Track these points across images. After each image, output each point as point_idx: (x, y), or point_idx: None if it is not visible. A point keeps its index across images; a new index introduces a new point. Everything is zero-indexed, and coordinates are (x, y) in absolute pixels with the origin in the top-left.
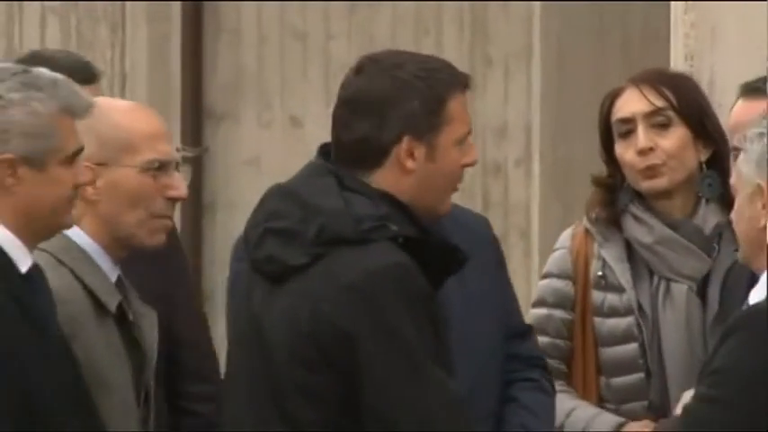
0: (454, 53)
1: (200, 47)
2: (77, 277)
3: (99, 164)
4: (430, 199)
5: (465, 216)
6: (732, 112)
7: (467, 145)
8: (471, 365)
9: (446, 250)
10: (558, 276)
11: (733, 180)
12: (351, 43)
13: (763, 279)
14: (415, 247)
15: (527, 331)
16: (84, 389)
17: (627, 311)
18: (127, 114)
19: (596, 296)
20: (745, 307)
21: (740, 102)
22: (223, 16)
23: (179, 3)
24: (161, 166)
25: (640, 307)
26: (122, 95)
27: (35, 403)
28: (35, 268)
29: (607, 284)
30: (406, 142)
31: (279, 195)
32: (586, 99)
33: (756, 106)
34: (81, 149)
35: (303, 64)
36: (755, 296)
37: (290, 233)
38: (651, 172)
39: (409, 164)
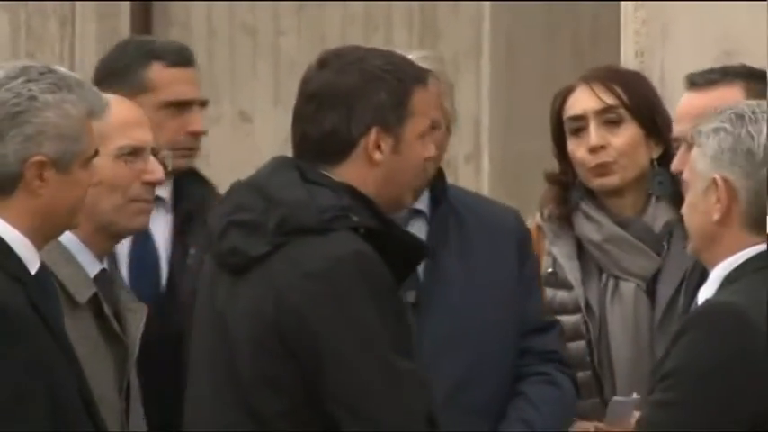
0: (404, 51)
1: None
2: (49, 269)
3: None
4: (394, 192)
5: (490, 208)
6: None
7: (428, 139)
8: (469, 353)
9: (408, 243)
10: None
11: (686, 175)
12: (300, 40)
13: (712, 275)
14: (377, 239)
15: (545, 327)
16: (88, 387)
17: (575, 309)
18: None
19: (547, 293)
20: (694, 305)
21: (685, 93)
22: (172, 11)
23: None
24: (134, 152)
25: (588, 305)
26: None
27: (59, 402)
28: (42, 268)
29: (557, 281)
30: (374, 134)
31: (244, 189)
32: (536, 96)
33: (700, 97)
34: (98, 152)
35: (253, 59)
36: (705, 293)
37: (252, 225)
38: (602, 170)
39: (377, 156)
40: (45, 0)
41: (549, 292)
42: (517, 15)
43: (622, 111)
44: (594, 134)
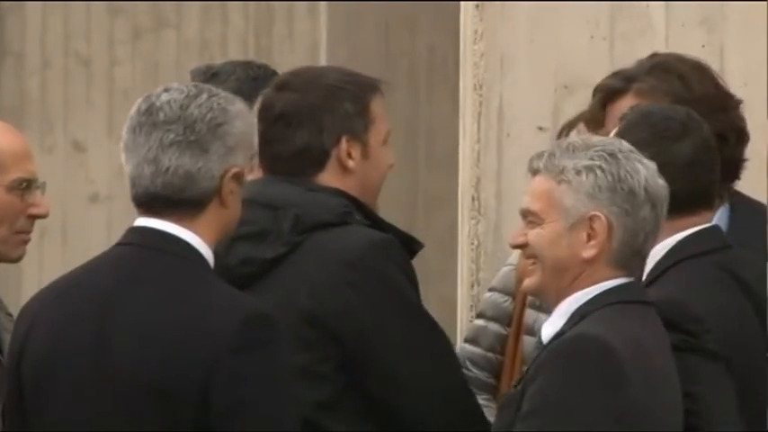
0: None
1: None
2: None
3: None
4: (369, 197)
5: None
6: None
7: (388, 146)
8: None
9: (403, 239)
10: (501, 291)
11: (536, 206)
12: (135, 69)
13: (559, 310)
14: None
15: None
16: None
17: None
18: None
19: (529, 315)
20: (537, 342)
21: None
22: (7, 40)
23: None
24: (27, 185)
25: None
26: None
27: None
28: None
29: (541, 305)
30: (344, 142)
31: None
32: None
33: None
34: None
35: (87, 89)
36: (549, 328)
37: (260, 234)
38: None
39: (350, 163)
40: None
41: (532, 315)
42: (353, 47)
43: None
44: None
